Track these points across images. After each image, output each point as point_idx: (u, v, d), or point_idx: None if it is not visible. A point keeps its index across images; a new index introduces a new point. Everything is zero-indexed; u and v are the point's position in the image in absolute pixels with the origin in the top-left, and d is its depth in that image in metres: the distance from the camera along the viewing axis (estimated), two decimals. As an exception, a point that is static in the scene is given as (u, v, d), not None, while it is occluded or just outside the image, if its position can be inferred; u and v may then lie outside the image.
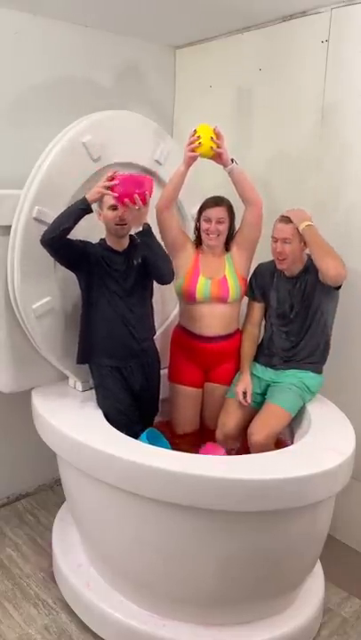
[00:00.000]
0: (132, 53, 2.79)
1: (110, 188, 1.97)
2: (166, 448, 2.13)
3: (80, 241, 2.07)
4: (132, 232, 2.11)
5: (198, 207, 2.31)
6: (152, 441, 2.06)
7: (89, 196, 1.98)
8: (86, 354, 2.17)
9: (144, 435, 2.08)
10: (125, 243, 2.14)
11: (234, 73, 2.71)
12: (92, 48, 2.63)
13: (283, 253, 2.15)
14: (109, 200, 2.01)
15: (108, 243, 2.13)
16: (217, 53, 2.78)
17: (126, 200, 1.97)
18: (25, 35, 2.42)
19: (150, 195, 2.02)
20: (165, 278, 2.14)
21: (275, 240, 2.17)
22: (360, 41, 2.22)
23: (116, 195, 1.97)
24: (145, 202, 2.00)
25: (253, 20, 2.52)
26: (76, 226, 1.99)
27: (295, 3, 2.30)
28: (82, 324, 2.16)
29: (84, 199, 1.98)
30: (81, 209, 1.97)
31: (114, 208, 2.02)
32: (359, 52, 2.22)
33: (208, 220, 2.25)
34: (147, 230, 2.05)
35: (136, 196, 1.97)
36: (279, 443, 2.16)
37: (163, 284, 2.18)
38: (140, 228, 2.05)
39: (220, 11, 2.38)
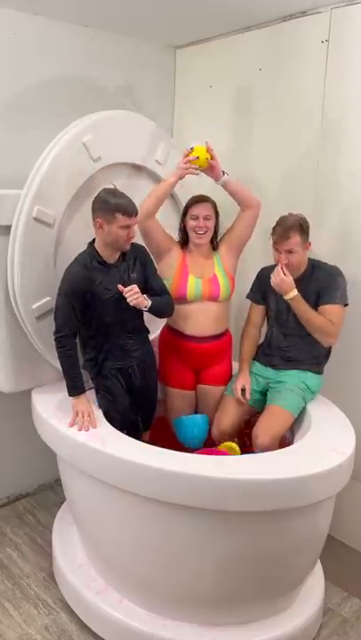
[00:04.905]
0: (132, 53, 2.79)
1: None
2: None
3: (74, 300, 2.00)
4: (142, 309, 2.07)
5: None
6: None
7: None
8: (97, 363, 2.14)
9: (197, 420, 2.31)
10: (118, 254, 2.08)
11: (234, 73, 2.71)
12: (91, 48, 2.63)
13: (289, 264, 2.11)
14: (123, 221, 1.95)
15: (102, 255, 2.04)
16: (217, 53, 2.78)
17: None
18: (24, 35, 2.42)
19: None
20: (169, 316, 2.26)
21: (278, 251, 2.13)
22: (360, 41, 2.22)
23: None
24: None
25: (254, 20, 2.52)
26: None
27: (295, 3, 2.30)
28: (83, 338, 2.13)
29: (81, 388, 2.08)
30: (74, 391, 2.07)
31: (127, 227, 1.97)
32: (359, 51, 2.22)
33: (196, 218, 2.25)
34: (152, 306, 2.07)
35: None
36: (281, 442, 2.16)
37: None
38: (145, 308, 2.05)
39: (220, 11, 2.37)
